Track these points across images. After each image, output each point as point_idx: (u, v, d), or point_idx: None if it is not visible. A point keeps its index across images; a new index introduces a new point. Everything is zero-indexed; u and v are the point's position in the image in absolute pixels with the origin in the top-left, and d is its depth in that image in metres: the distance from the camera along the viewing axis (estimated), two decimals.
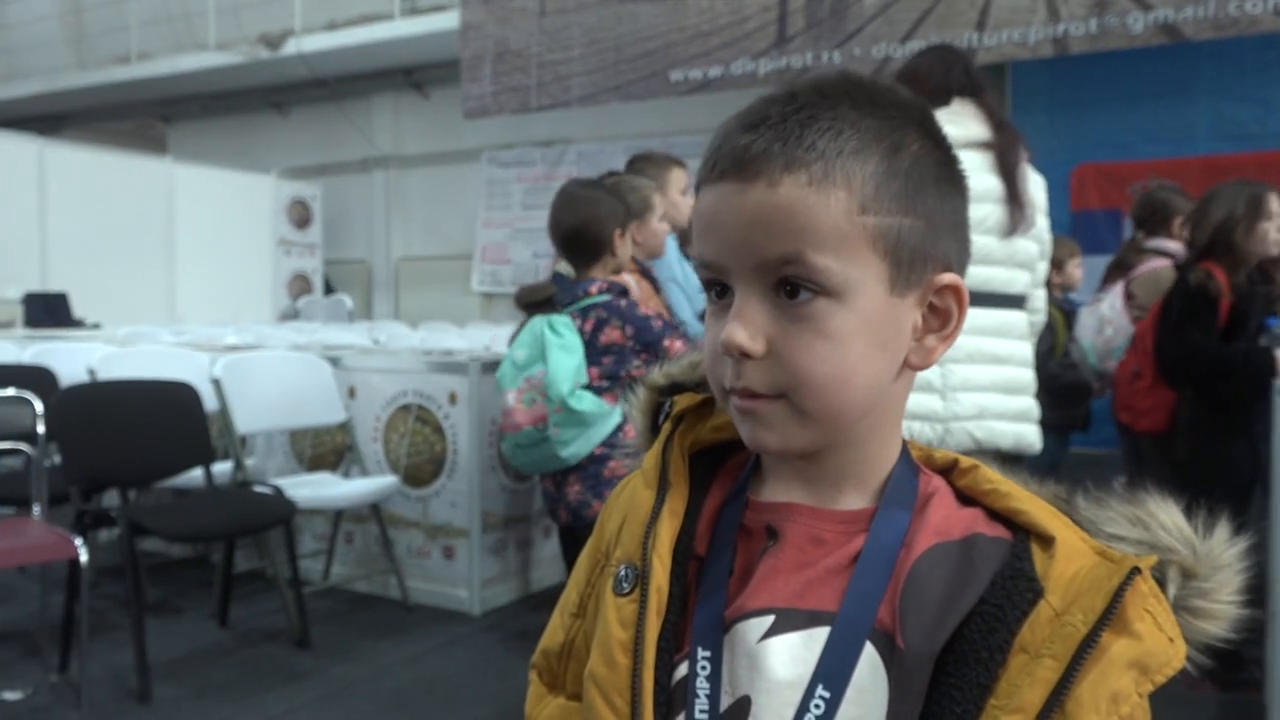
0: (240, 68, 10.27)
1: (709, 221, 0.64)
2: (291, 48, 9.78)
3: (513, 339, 2.90)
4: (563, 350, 2.58)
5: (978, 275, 2.27)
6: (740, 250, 0.62)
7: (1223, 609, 0.61)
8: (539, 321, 2.68)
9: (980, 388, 2.27)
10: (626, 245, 2.72)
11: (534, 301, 2.77)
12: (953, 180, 0.67)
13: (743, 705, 0.64)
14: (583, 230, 2.64)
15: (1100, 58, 6.03)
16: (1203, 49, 5.89)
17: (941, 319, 0.66)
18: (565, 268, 2.81)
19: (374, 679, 3.16)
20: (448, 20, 8.63)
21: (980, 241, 2.28)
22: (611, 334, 2.61)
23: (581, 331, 2.61)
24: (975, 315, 2.27)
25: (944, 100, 2.33)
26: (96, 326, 7.80)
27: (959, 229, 0.67)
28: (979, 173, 2.27)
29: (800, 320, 0.61)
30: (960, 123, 2.29)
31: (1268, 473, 2.81)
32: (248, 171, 10.55)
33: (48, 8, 11.79)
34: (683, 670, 0.66)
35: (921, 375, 2.16)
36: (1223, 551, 0.62)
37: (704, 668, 0.65)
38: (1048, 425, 3.93)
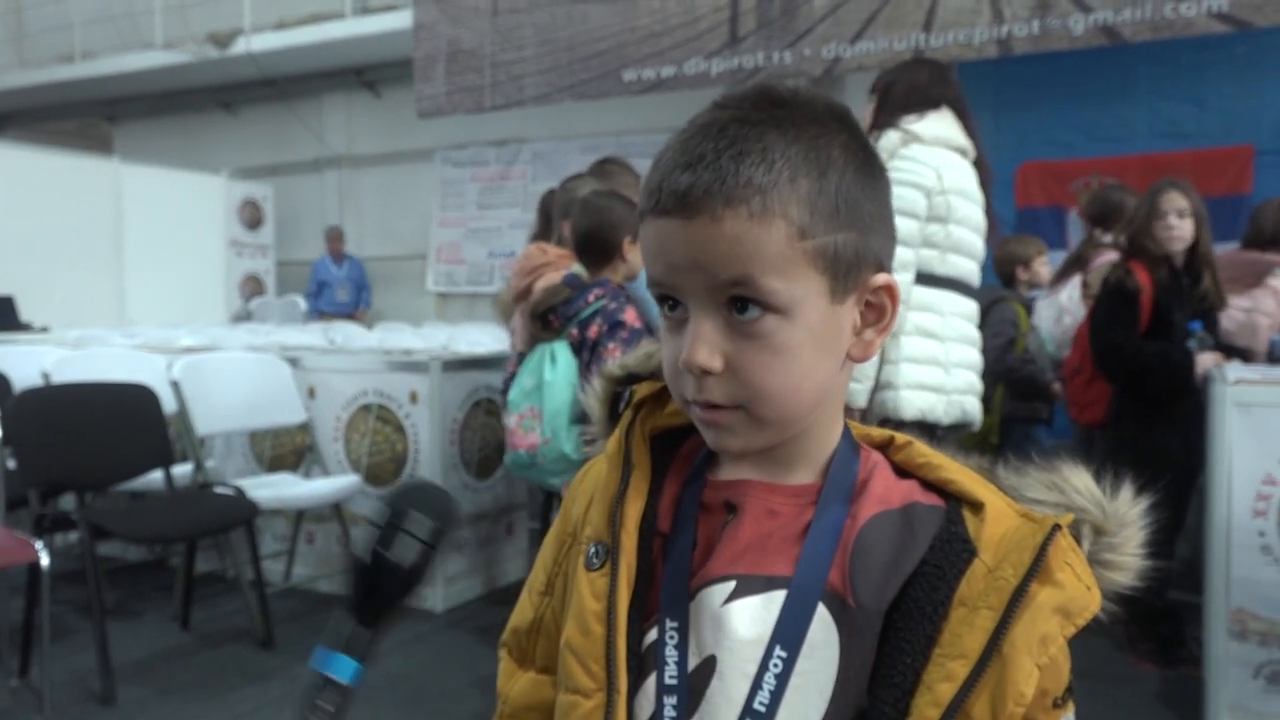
0: (188, 67, 10.12)
1: (658, 250, 0.69)
2: (240, 47, 9.66)
3: (521, 356, 2.91)
4: (557, 388, 2.66)
5: (956, 264, 2.57)
6: (691, 274, 0.67)
7: (1129, 561, 0.70)
8: (543, 351, 2.75)
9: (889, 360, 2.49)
10: (637, 252, 2.78)
11: (546, 311, 2.77)
12: (874, 173, 0.71)
13: (709, 664, 0.70)
14: (595, 233, 2.73)
15: (1043, 59, 6.17)
16: (1141, 50, 6.04)
17: (877, 313, 0.73)
18: (579, 268, 2.87)
19: None
20: (400, 20, 8.58)
21: (970, 236, 2.57)
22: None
23: (585, 340, 2.67)
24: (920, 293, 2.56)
25: (935, 105, 2.54)
26: (44, 330, 7.66)
27: (885, 220, 0.73)
28: (968, 174, 2.55)
29: (752, 337, 0.67)
30: (949, 125, 2.53)
31: (1204, 467, 2.91)
32: (197, 172, 10.40)
33: None
34: (652, 635, 0.73)
35: None
36: (1128, 510, 0.71)
37: (672, 637, 0.71)
38: (1015, 418, 4.03)
